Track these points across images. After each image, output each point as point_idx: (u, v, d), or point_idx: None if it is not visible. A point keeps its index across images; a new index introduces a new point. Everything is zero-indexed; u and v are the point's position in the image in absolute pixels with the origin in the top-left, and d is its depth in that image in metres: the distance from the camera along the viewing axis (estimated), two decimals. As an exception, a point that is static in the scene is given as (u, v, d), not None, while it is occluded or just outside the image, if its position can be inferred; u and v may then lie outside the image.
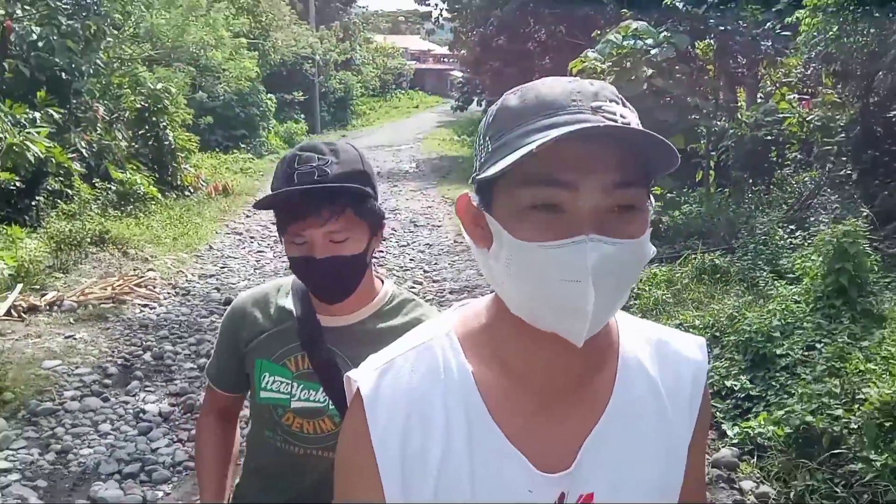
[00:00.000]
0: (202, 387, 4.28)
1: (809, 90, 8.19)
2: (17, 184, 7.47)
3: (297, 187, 1.32)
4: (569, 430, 0.83)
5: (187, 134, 12.63)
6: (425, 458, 0.81)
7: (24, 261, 6.30)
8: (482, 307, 0.88)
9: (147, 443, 4.00)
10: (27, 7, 9.36)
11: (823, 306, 4.27)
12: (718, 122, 7.44)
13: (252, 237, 9.28)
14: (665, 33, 6.65)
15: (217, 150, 16.32)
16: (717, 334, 4.55)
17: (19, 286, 5.89)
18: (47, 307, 5.79)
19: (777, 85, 7.93)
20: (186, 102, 13.17)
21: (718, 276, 5.80)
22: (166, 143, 11.45)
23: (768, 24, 8.05)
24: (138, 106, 11.20)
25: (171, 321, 5.85)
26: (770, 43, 7.59)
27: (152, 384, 4.74)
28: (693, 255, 6.20)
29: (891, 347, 3.69)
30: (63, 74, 9.58)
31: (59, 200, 8.37)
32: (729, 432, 3.72)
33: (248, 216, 10.61)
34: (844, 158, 7.50)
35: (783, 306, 4.43)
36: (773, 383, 3.85)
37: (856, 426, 3.12)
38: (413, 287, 6.86)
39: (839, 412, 3.24)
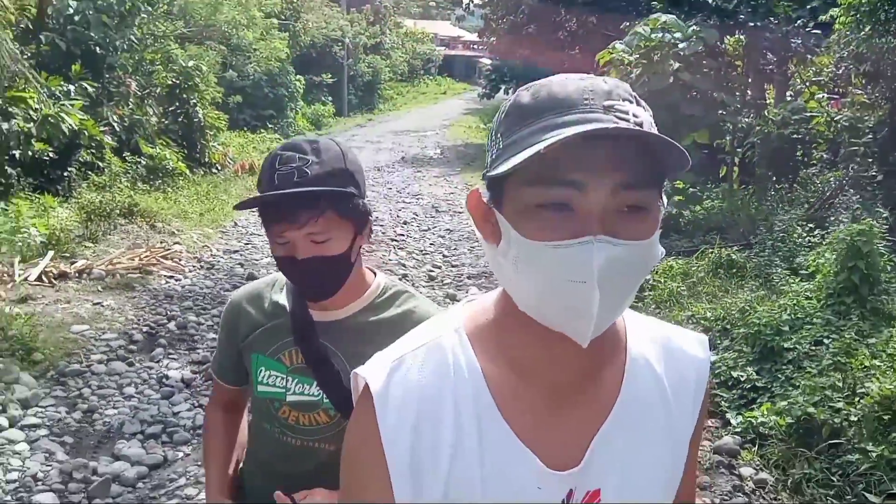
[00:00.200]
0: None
1: (839, 90, 8.13)
2: (51, 155, 7.70)
3: (275, 192, 1.32)
4: (578, 428, 0.83)
5: (216, 112, 12.84)
6: (436, 456, 0.81)
7: (56, 229, 6.51)
8: (490, 303, 0.88)
9: (169, 406, 4.17)
10: (65, -19, 9.55)
11: (834, 303, 4.31)
12: (745, 119, 7.42)
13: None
14: (694, 27, 6.65)
15: (245, 129, 16.54)
16: (728, 326, 4.61)
17: (50, 253, 6.09)
18: (76, 274, 5.98)
19: (807, 83, 7.88)
20: (216, 81, 13.38)
21: (734, 270, 5.84)
22: (196, 120, 11.66)
23: (800, 21, 8.01)
24: (169, 82, 11.41)
25: (195, 293, 6.03)
26: (801, 41, 7.54)
27: (175, 352, 4.92)
28: (710, 250, 6.24)
29: (898, 345, 3.73)
30: (98, 49, 9.81)
31: (90, 172, 8.59)
32: (733, 421, 3.80)
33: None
34: (871, 159, 7.46)
35: (794, 301, 4.48)
36: (779, 375, 3.91)
37: (855, 418, 3.18)
38: (432, 271, 6.96)
39: (840, 405, 3.31)
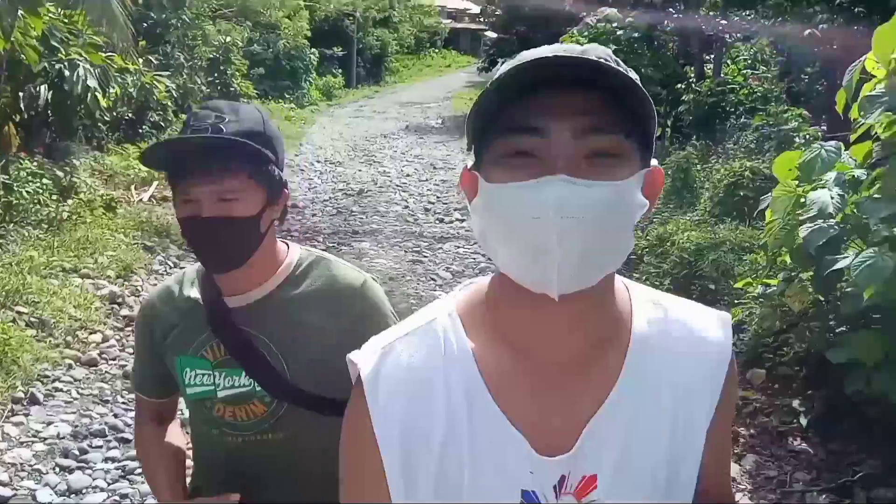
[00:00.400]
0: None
1: (756, 67, 10.12)
2: (130, 115, 9.74)
3: (184, 137, 1.29)
4: (573, 411, 0.81)
5: (247, 82, 14.83)
6: (427, 439, 0.80)
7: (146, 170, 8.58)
8: (484, 287, 0.87)
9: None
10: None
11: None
12: (676, 91, 9.40)
13: (302, 169, 11.48)
14: (630, 18, 8.61)
15: (265, 98, 18.46)
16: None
17: (155, 182, 8.13)
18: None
19: (730, 62, 9.89)
20: (242, 55, 15.34)
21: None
22: (232, 88, 13.67)
23: (728, 12, 9.97)
24: (210, 56, 13.39)
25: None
26: (723, 29, 9.51)
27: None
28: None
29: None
30: (157, 29, 11.81)
31: (156, 131, 10.64)
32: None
33: (296, 155, 12.80)
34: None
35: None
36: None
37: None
38: (427, 206, 9.02)
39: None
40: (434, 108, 21.62)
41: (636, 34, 8.54)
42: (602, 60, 0.72)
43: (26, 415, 3.72)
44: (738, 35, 9.57)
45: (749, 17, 9.41)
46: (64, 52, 7.11)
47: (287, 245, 1.45)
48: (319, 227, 7.82)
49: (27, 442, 3.52)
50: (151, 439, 1.52)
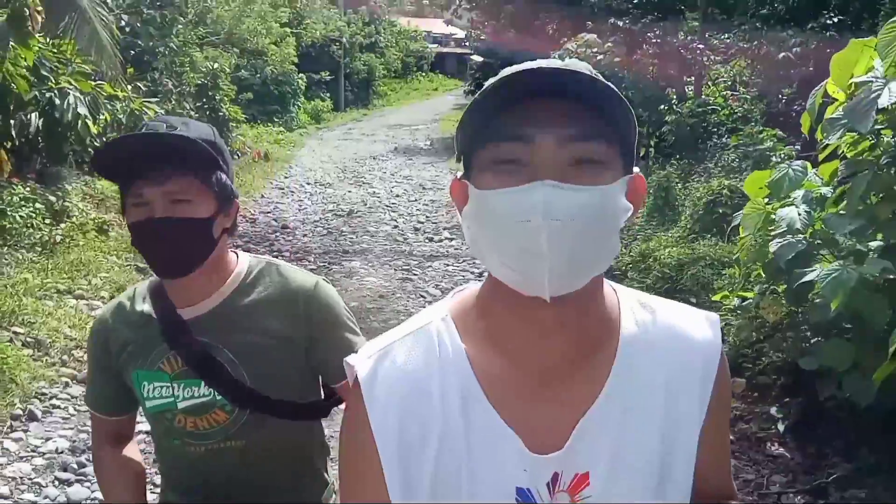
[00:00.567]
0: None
1: (736, 88, 10.38)
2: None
3: (137, 133, 1.31)
4: (565, 410, 0.83)
5: (235, 107, 15.00)
6: (424, 440, 0.82)
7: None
8: (477, 290, 0.89)
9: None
10: None
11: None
12: (658, 112, 9.64)
13: (292, 191, 11.61)
14: (609, 44, 8.86)
15: (254, 123, 18.64)
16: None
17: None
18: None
19: (709, 83, 10.14)
20: (230, 80, 15.53)
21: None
22: (221, 113, 13.82)
23: (706, 34, 10.24)
24: (198, 82, 13.55)
25: (248, 234, 8.28)
26: (700, 51, 9.79)
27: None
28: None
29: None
30: (144, 55, 11.96)
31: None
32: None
33: (286, 177, 12.94)
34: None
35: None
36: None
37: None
38: (417, 225, 9.17)
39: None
40: (422, 129, 21.84)
41: (616, 59, 8.79)
42: (584, 72, 0.76)
43: (25, 431, 3.80)
44: (718, 58, 9.85)
45: (728, 40, 9.69)
46: (54, 81, 7.27)
47: (237, 254, 1.46)
48: (310, 247, 7.95)
49: (26, 456, 3.59)
50: (110, 461, 1.49)
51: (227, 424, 1.40)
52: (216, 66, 13.91)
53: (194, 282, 1.37)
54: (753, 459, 3.65)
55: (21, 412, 3.91)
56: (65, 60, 7.67)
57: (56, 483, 3.41)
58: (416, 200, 11.01)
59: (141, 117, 9.08)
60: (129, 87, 10.85)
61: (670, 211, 7.28)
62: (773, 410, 3.96)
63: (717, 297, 4.34)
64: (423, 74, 42.15)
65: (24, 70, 6.58)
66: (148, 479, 1.59)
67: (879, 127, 3.13)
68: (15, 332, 4.56)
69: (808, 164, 3.53)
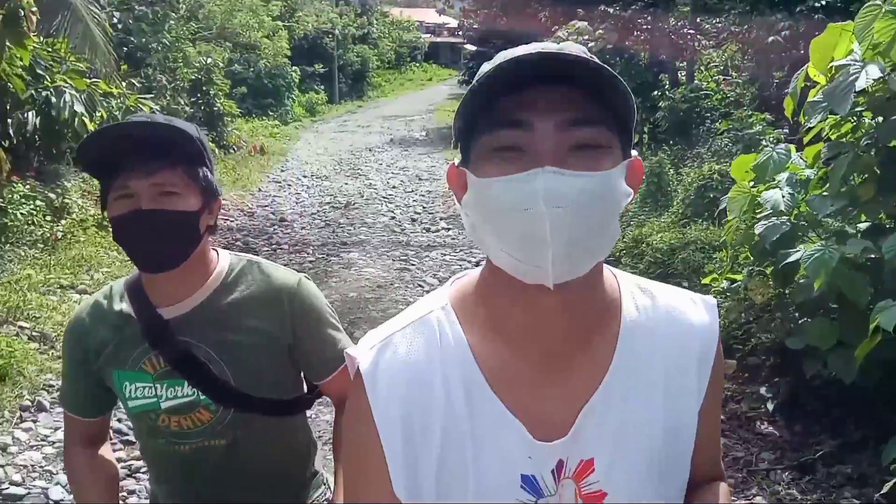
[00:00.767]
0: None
1: (728, 72, 10.46)
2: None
3: (124, 121, 1.30)
4: (568, 397, 0.83)
5: (229, 101, 15.03)
6: (428, 429, 0.82)
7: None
8: (476, 278, 0.89)
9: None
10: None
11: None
12: (652, 98, 9.73)
13: (289, 184, 11.69)
14: (600, 31, 8.92)
15: (249, 116, 18.67)
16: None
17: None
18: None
19: (702, 68, 10.22)
20: (224, 74, 15.55)
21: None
22: (215, 108, 13.86)
23: (697, 19, 10.30)
24: (192, 77, 13.58)
25: (247, 228, 8.37)
26: (692, 36, 9.85)
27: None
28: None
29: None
30: (137, 52, 12.00)
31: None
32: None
33: (283, 170, 13.00)
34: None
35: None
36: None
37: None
38: (414, 216, 9.25)
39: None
40: (417, 120, 21.84)
41: (608, 46, 8.86)
42: (581, 56, 0.74)
43: (34, 421, 3.90)
44: (710, 43, 9.91)
45: (719, 25, 9.75)
46: (49, 79, 7.33)
47: (217, 252, 1.44)
48: (308, 240, 8.03)
49: (37, 445, 3.69)
50: (83, 464, 1.47)
51: (212, 423, 1.39)
52: (209, 60, 13.93)
53: (175, 280, 1.35)
54: (743, 438, 3.75)
55: (30, 403, 4.02)
56: (59, 59, 7.72)
57: (66, 470, 3.51)
58: (412, 191, 11.08)
59: (136, 113, 9.16)
60: (124, 83, 10.92)
61: (663, 197, 7.37)
62: (763, 390, 4.06)
63: (706, 280, 4.44)
64: (417, 65, 42.08)
65: (21, 70, 6.63)
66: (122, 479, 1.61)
67: (860, 109, 3.22)
68: (21, 327, 4.66)
69: (793, 147, 3.62)
